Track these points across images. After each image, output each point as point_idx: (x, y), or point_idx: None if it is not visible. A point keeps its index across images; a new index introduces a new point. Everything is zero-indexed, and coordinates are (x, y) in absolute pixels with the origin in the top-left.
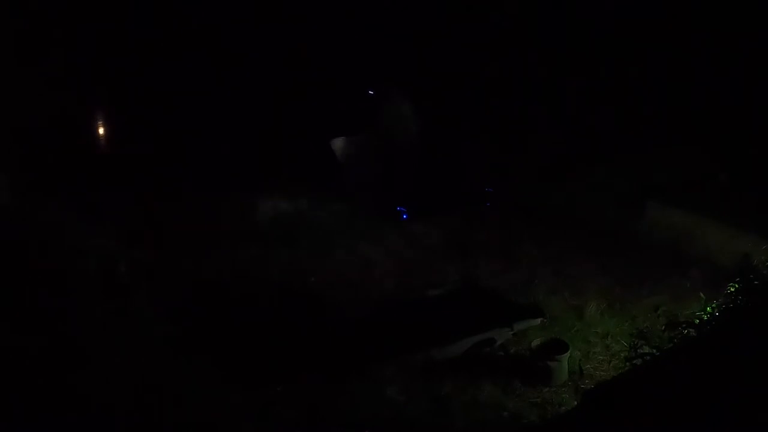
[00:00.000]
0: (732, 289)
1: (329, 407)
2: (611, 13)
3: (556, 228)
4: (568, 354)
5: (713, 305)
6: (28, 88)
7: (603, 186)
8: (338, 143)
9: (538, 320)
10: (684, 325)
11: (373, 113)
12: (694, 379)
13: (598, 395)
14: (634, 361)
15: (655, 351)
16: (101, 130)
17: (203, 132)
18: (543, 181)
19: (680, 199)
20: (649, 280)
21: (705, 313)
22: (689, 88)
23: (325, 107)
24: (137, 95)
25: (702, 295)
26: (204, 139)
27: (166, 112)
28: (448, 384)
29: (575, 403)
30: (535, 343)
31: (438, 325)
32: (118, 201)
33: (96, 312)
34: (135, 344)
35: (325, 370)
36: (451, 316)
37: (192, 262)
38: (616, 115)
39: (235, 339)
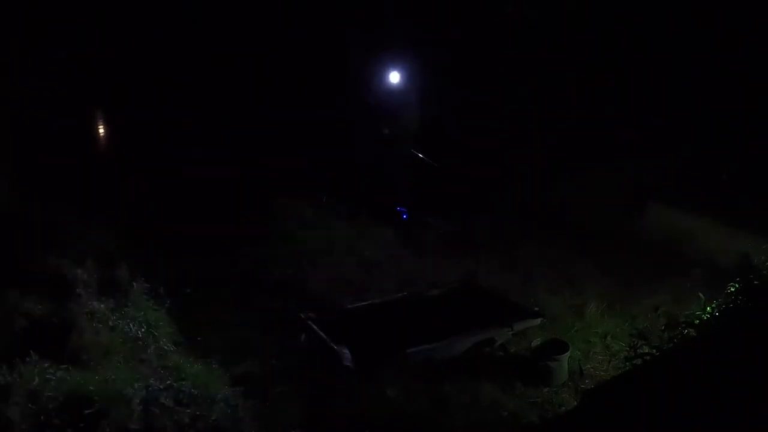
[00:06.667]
0: (732, 289)
1: (329, 407)
2: (611, 12)
3: (556, 228)
4: (568, 354)
5: (713, 305)
6: (27, 87)
7: (603, 186)
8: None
9: (538, 320)
10: (684, 325)
11: (373, 113)
12: (694, 379)
13: (598, 395)
14: (634, 361)
15: (655, 351)
16: (101, 130)
17: (203, 132)
18: (543, 182)
19: (680, 199)
20: (649, 280)
21: (705, 313)
22: (689, 88)
23: (325, 107)
24: (137, 95)
25: (702, 295)
26: (204, 139)
27: (167, 112)
28: (448, 384)
29: (575, 403)
30: (535, 343)
31: (438, 325)
32: (119, 201)
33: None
34: (134, 344)
35: (325, 370)
36: (451, 316)
37: (192, 262)
38: (616, 115)
39: (234, 338)
